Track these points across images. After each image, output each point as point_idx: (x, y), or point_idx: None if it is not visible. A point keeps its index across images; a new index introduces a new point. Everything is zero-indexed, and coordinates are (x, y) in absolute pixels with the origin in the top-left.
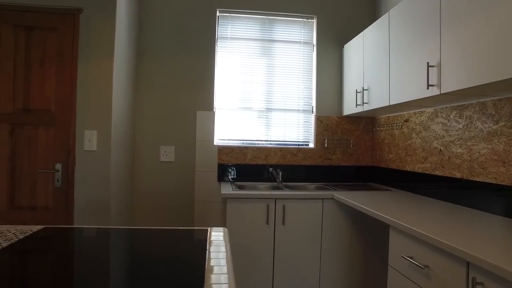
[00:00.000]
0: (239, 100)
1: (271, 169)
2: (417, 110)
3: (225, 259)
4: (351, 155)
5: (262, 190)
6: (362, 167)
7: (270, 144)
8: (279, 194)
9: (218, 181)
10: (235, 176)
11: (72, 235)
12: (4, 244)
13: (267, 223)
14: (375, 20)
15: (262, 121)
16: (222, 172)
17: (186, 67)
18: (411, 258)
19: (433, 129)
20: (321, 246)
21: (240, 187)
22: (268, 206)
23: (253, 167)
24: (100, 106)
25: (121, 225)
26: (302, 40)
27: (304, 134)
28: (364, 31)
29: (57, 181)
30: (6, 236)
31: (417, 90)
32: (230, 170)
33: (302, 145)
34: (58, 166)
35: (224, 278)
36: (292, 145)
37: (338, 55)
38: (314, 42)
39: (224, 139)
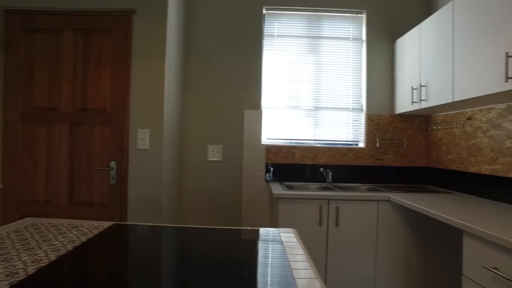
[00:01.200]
0: (287, 99)
1: (321, 169)
2: (483, 107)
3: (303, 255)
4: (403, 155)
5: (312, 190)
6: (416, 168)
7: (319, 143)
8: (333, 195)
9: (265, 181)
10: (283, 176)
11: (142, 231)
12: (83, 239)
13: (320, 224)
14: (430, 13)
15: (310, 120)
16: (269, 172)
17: (233, 66)
18: (496, 269)
19: (505, 127)
20: (376, 249)
21: (290, 187)
22: (321, 207)
23: (301, 167)
24: (152, 105)
25: (172, 223)
26: (351, 36)
27: (353, 133)
28: (421, 24)
29: (112, 179)
30: (81, 230)
31: (492, 84)
32: (278, 169)
33: (352, 144)
34: (113, 164)
35: (310, 274)
36: (341, 144)
37: (389, 51)
38: (364, 38)
39: (272, 139)
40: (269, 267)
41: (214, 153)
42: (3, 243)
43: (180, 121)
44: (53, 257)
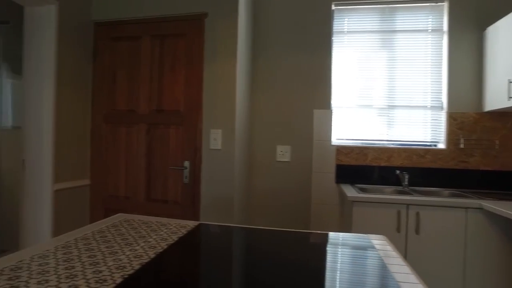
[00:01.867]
0: (358, 98)
1: (398, 171)
2: None
3: (400, 258)
4: (494, 158)
5: (388, 194)
6: (511, 172)
7: (393, 144)
8: (413, 199)
9: (336, 182)
10: (354, 178)
11: (226, 231)
12: (174, 237)
13: (398, 231)
14: None
15: (383, 119)
16: (340, 173)
17: (301, 64)
18: None
19: None
20: (464, 262)
21: (363, 190)
22: (399, 212)
23: (374, 168)
24: (224, 106)
25: (242, 223)
26: (429, 28)
27: (432, 133)
28: None
29: (186, 178)
30: (170, 229)
31: None
32: (349, 171)
33: (430, 145)
34: (187, 163)
35: (412, 278)
36: (418, 145)
37: (476, 41)
38: (445, 28)
39: (342, 139)
40: (369, 273)
41: (283, 154)
42: (105, 236)
43: (249, 122)
44: (151, 253)
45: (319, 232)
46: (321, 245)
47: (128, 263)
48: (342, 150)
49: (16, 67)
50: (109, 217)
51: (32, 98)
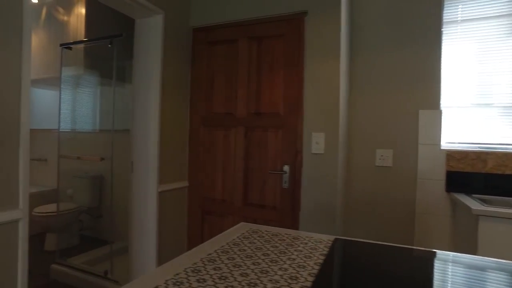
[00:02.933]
0: (474, 96)
1: None
2: None
3: None
4: None
5: None
6: None
7: None
8: None
9: (446, 191)
10: (469, 187)
11: (370, 249)
12: (319, 255)
13: None
14: None
15: (508, 120)
16: (452, 181)
17: (405, 61)
18: None
19: None
20: None
21: (486, 202)
22: None
23: (496, 177)
24: (327, 107)
25: (341, 233)
26: None
27: None
28: None
29: (285, 182)
30: (305, 243)
31: None
32: (463, 179)
33: None
34: (286, 167)
35: None
36: None
37: None
38: None
39: (454, 142)
40: None
41: (383, 158)
42: (244, 250)
43: (348, 124)
44: (305, 275)
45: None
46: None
47: (287, 286)
48: (453, 155)
49: (120, 76)
50: (234, 227)
51: (140, 103)
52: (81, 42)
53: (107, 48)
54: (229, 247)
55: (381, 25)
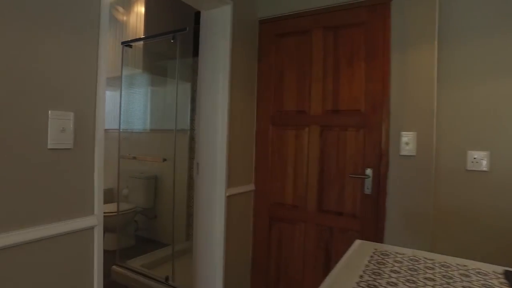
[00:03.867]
0: None
1: None
2: None
3: None
4: None
5: None
6: None
7: None
8: None
9: None
10: None
11: None
12: None
13: None
14: None
15: None
16: None
17: (507, 45)
18: None
19: None
20: None
21: None
22: None
23: None
24: (419, 103)
25: (428, 246)
26: None
27: None
28: None
29: (367, 188)
30: (470, 278)
31: None
32: None
33: None
34: (369, 171)
35: None
36: None
37: None
38: None
39: None
40: None
41: (476, 161)
42: (394, 284)
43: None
44: None
45: None
46: None
47: None
48: None
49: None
50: (353, 248)
51: (207, 101)
52: (143, 39)
53: (166, 45)
54: (372, 279)
55: (476, 4)
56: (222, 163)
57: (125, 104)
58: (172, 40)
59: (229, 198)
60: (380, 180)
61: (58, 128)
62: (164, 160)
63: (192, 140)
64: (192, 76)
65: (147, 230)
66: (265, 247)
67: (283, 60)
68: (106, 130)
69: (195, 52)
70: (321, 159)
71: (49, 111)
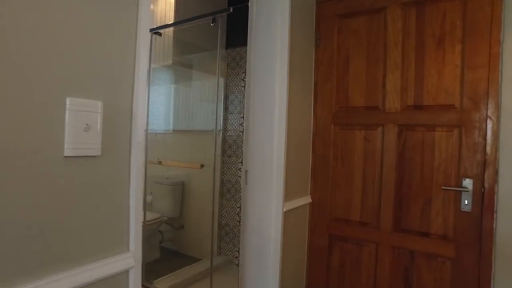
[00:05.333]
0: None
1: None
2: None
3: None
4: None
5: None
6: None
7: None
8: None
9: None
10: None
11: None
12: None
13: None
14: None
15: None
16: None
17: None
18: None
19: None
20: None
21: None
22: None
23: None
24: None
25: None
26: None
27: None
28: None
29: (465, 204)
30: None
31: None
32: None
33: None
34: (468, 182)
35: None
36: None
37: None
38: None
39: None
40: None
41: None
42: None
43: None
44: None
45: None
46: None
47: None
48: None
49: (208, 67)
50: None
51: (259, 96)
52: (176, 23)
53: (201, 33)
54: None
55: None
56: (279, 172)
57: (155, 102)
58: (212, 24)
59: (286, 214)
60: (485, 195)
61: (80, 124)
62: (202, 166)
63: (225, 142)
64: (226, 70)
65: (172, 242)
66: (323, 273)
67: (348, 45)
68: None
69: (228, 43)
70: (399, 167)
71: (67, 99)
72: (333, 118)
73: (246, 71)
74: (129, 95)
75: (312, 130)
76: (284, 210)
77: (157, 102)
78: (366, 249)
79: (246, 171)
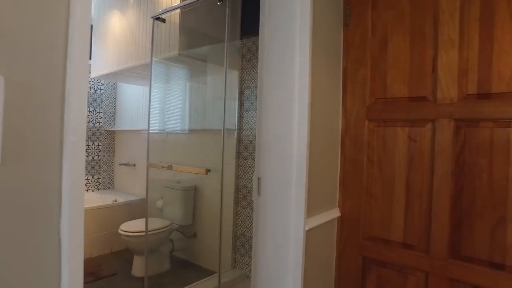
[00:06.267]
0: None
1: None
2: None
3: None
4: None
5: None
6: None
7: None
8: None
9: None
10: None
11: None
12: None
13: None
14: None
15: None
16: None
17: None
18: None
19: None
20: None
21: None
22: None
23: None
24: None
25: None
26: None
27: None
28: None
29: None
30: None
31: None
32: None
33: None
34: None
35: None
36: None
37: None
38: None
39: None
40: None
41: None
42: None
43: None
44: None
45: None
46: None
47: None
48: None
49: (217, 59)
50: None
51: (274, 87)
52: (180, 6)
53: (211, 21)
54: None
55: None
56: (300, 180)
57: (159, 99)
58: (220, 2)
59: (309, 233)
60: None
61: None
62: (208, 171)
63: (240, 142)
64: (241, 63)
65: (184, 251)
66: None
67: (386, 21)
68: (140, 131)
69: (243, 31)
70: (457, 174)
71: None
72: (367, 113)
73: (259, 55)
74: (58, 68)
75: (340, 127)
76: (307, 228)
77: (161, 99)
78: (412, 279)
79: (258, 178)
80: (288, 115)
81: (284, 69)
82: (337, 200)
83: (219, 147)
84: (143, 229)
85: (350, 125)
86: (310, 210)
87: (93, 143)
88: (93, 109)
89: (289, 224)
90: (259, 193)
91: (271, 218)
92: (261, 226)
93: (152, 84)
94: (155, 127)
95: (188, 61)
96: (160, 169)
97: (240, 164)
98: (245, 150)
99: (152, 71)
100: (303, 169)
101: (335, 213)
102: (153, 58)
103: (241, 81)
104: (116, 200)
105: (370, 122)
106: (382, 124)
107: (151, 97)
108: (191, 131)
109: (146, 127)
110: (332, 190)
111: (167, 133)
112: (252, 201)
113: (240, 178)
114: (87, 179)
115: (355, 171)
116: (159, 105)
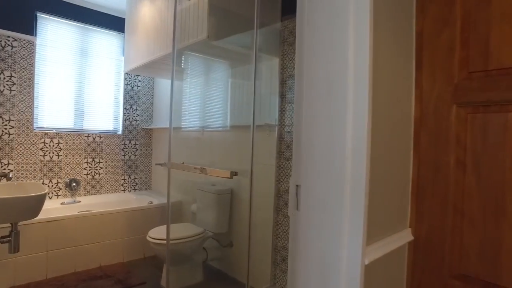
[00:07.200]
0: None
1: None
2: None
3: None
4: None
5: None
6: None
7: None
8: None
9: None
10: None
11: None
12: None
13: None
14: None
15: None
16: None
17: None
18: None
19: None
20: None
21: None
22: None
23: None
24: None
25: None
26: None
27: None
28: None
29: None
30: None
31: None
32: None
33: None
34: None
35: None
36: None
37: None
38: None
39: None
40: None
41: None
42: None
43: None
44: None
45: None
46: None
47: None
48: None
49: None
50: None
51: (319, 63)
52: None
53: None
54: None
55: None
56: (357, 191)
57: (180, 92)
58: None
59: (369, 268)
60: None
61: None
62: (235, 174)
63: (281, 141)
64: (282, 47)
65: (219, 260)
66: None
67: None
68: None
69: (284, 11)
70: None
71: None
72: (455, 94)
73: (297, 19)
74: None
75: (413, 117)
76: (366, 262)
77: (188, 93)
78: None
79: (296, 186)
80: (338, 103)
81: (333, 37)
82: (408, 219)
83: (256, 146)
84: (174, 236)
85: (427, 113)
86: (371, 235)
87: (130, 141)
88: (129, 106)
89: (340, 255)
90: (297, 208)
91: (313, 245)
92: (300, 254)
93: (173, 71)
94: (185, 124)
95: (219, 47)
96: (192, 170)
97: (282, 166)
98: (287, 150)
99: (176, 60)
100: (361, 175)
101: (405, 236)
102: (179, 45)
103: (282, 69)
104: (151, 202)
105: (460, 107)
106: (481, 109)
107: (176, 90)
108: (225, 128)
109: (184, 125)
110: (401, 204)
111: (203, 130)
112: None
113: (281, 182)
114: (124, 179)
115: (435, 179)
116: (188, 100)
